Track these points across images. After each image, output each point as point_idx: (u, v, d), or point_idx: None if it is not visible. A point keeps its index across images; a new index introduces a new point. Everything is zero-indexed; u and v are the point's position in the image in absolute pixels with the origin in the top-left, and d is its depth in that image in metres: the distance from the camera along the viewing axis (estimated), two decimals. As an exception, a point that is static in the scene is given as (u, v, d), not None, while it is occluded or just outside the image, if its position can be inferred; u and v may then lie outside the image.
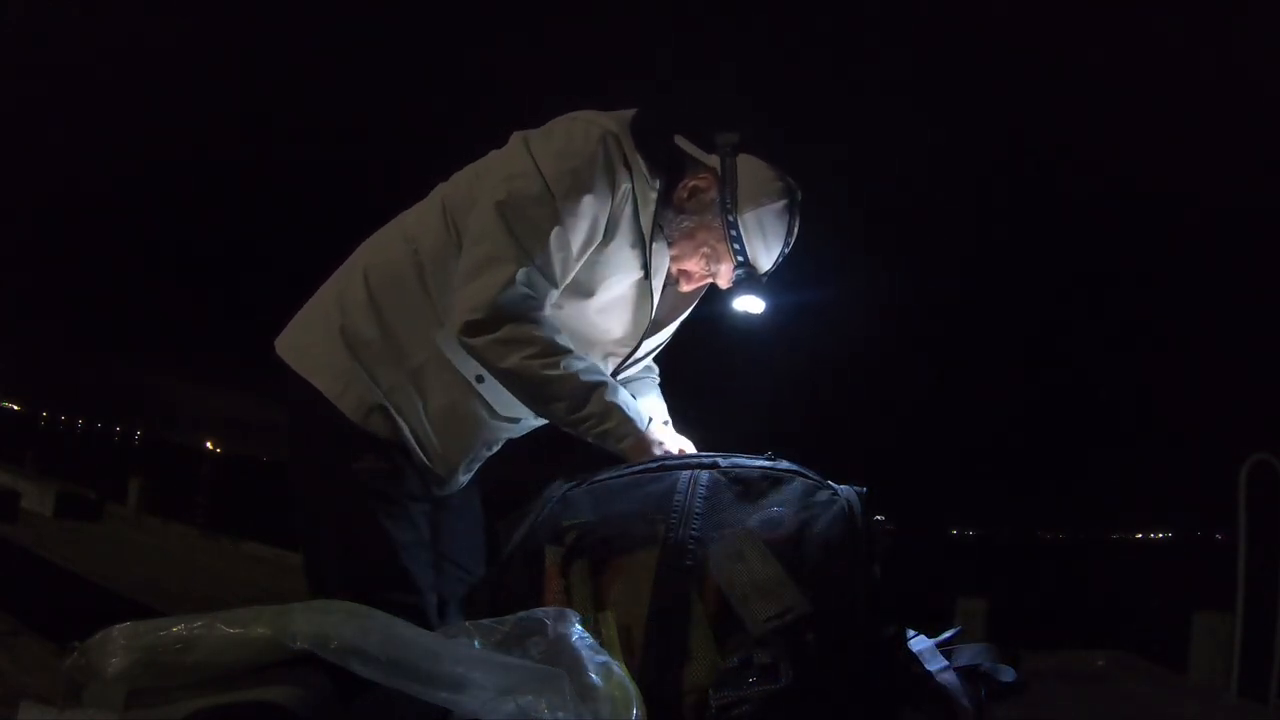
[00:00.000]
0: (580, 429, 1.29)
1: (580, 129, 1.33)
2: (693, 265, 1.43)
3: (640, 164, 1.33)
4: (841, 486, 1.04)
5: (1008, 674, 1.05)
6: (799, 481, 1.06)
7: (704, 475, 1.07)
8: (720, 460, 1.11)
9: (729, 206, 1.35)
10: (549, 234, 1.28)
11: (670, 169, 1.38)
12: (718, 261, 1.41)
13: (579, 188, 1.29)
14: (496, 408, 1.40)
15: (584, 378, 1.27)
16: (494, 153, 1.41)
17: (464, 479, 1.47)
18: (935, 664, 1.01)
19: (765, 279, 1.41)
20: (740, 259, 1.37)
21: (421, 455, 1.38)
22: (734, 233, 1.35)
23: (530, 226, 1.28)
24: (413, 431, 1.36)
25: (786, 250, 1.40)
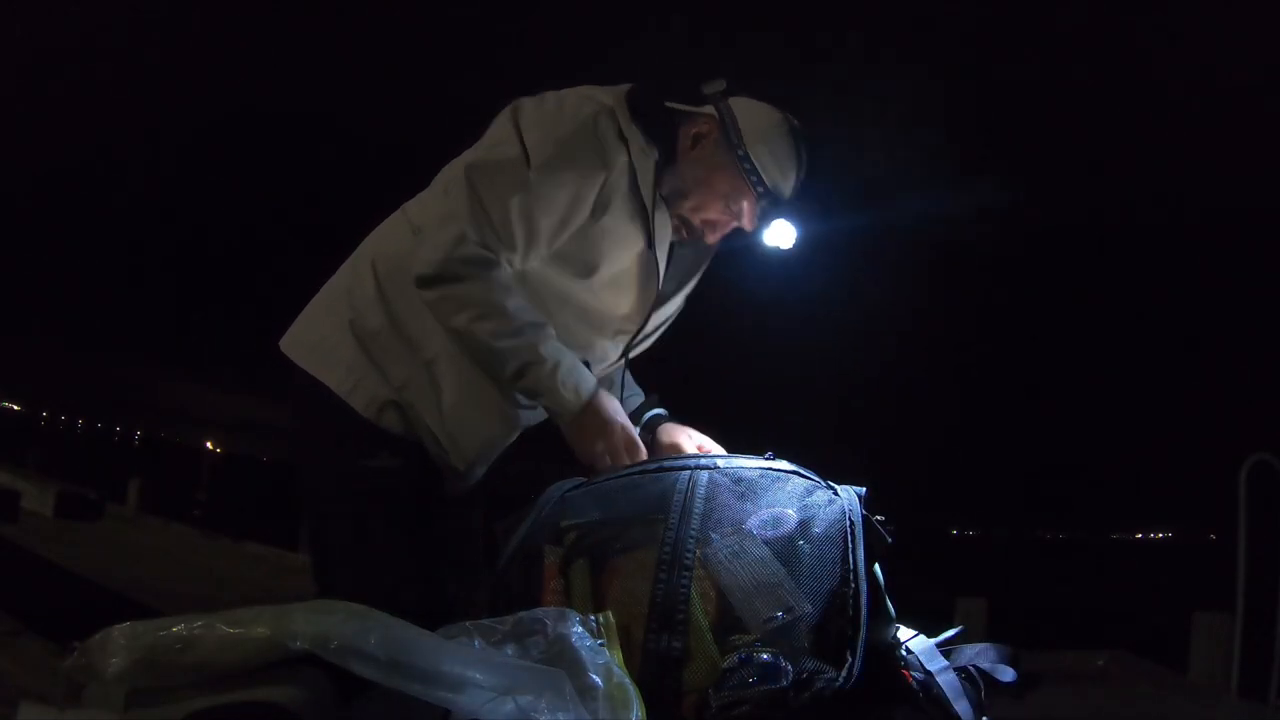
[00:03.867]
0: (525, 397, 1.33)
1: (573, 100, 1.32)
2: (715, 212, 1.40)
3: (637, 135, 1.32)
4: (841, 486, 1.04)
5: (1008, 674, 1.05)
6: (798, 481, 1.06)
7: (703, 475, 1.07)
8: (719, 460, 1.11)
9: (736, 142, 1.34)
10: (511, 199, 1.26)
11: (667, 136, 1.38)
12: (738, 200, 1.38)
13: (560, 157, 1.28)
14: (513, 393, 1.37)
15: (521, 355, 1.26)
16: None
17: (480, 472, 1.44)
18: (935, 664, 1.01)
19: (789, 205, 1.39)
20: (760, 188, 1.35)
21: (438, 450, 1.36)
22: (748, 165, 1.34)
23: (494, 189, 1.27)
24: (428, 426, 1.34)
25: (802, 176, 1.38)
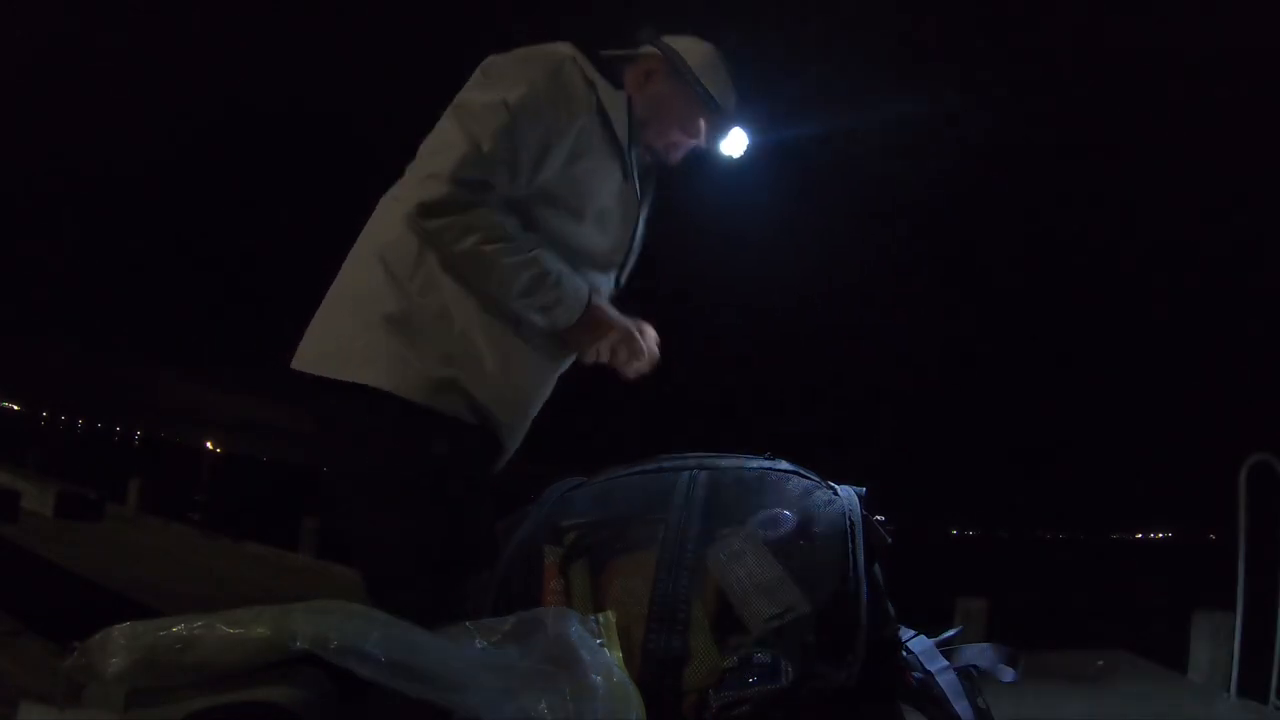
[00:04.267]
0: (529, 313, 1.39)
1: (540, 50, 1.43)
2: (674, 136, 1.58)
3: (600, 78, 1.45)
4: (841, 486, 1.04)
5: (1008, 674, 1.05)
6: (798, 481, 1.06)
7: (703, 475, 1.07)
8: (719, 460, 1.11)
9: (685, 70, 1.53)
10: (498, 131, 1.33)
11: (617, 79, 1.51)
12: (694, 121, 1.56)
13: (531, 96, 1.36)
14: (540, 339, 1.43)
15: (530, 269, 1.35)
16: None
17: (524, 433, 1.50)
18: (935, 664, 1.01)
19: (733, 118, 1.59)
20: (713, 104, 1.54)
21: (490, 415, 1.39)
22: (700, 88, 1.52)
23: (481, 123, 1.34)
24: (478, 395, 1.36)
25: (736, 93, 1.58)
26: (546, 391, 1.52)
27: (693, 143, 1.59)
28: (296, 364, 1.38)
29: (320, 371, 1.35)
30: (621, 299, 1.61)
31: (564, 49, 1.44)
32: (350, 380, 1.32)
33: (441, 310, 1.36)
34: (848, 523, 0.98)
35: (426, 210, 1.31)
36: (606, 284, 1.56)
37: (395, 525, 1.35)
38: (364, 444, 1.37)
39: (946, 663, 1.02)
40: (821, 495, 1.03)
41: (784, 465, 1.10)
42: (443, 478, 1.33)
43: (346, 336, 1.36)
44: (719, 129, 1.59)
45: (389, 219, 1.42)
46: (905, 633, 1.05)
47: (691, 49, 1.55)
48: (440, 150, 1.34)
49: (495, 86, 1.37)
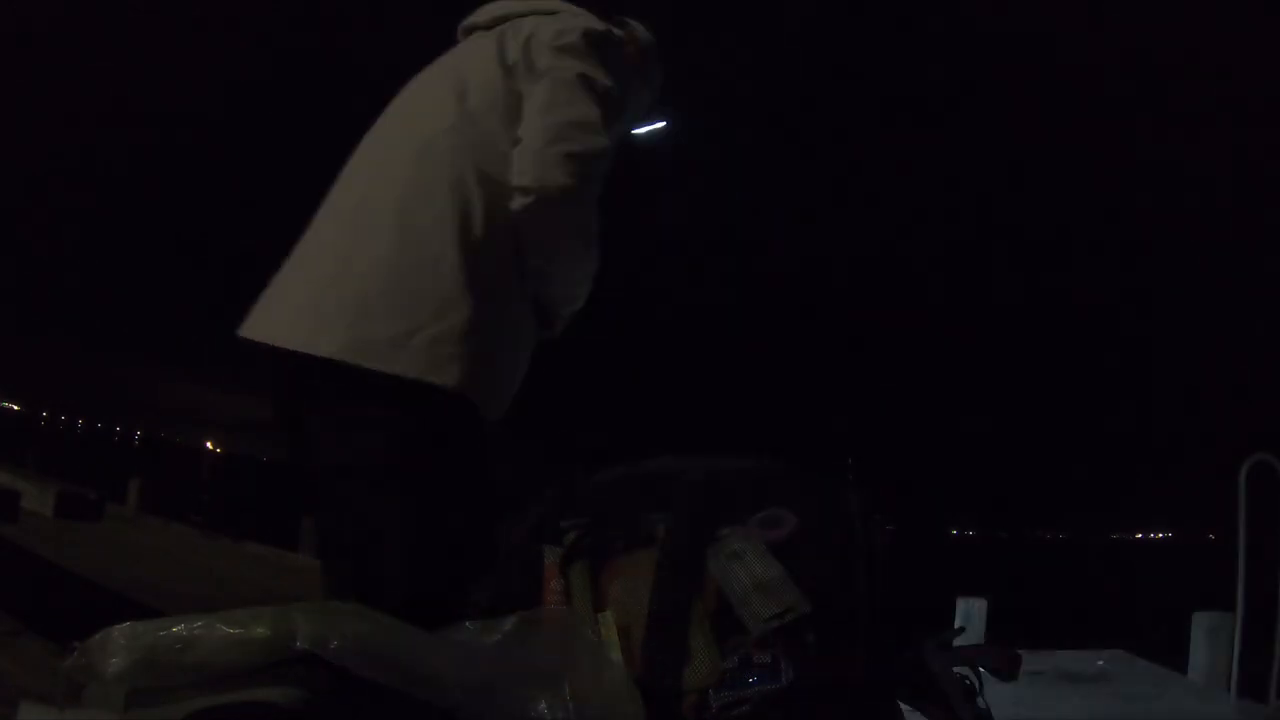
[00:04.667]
0: (567, 300, 1.37)
1: (614, 34, 1.42)
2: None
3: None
4: (841, 487, 1.05)
5: (1008, 674, 1.06)
6: (798, 482, 1.06)
7: (703, 475, 1.07)
8: (720, 461, 1.11)
9: (652, 63, 1.57)
10: (611, 114, 1.31)
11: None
12: (647, 103, 1.62)
13: (620, 85, 1.37)
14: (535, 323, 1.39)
15: (596, 261, 1.34)
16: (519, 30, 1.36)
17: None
18: (935, 664, 1.01)
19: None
20: (658, 88, 1.60)
21: (502, 409, 1.27)
22: (654, 75, 1.57)
23: (605, 107, 1.29)
24: (508, 393, 1.25)
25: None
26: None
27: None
28: (336, 352, 1.13)
29: (378, 365, 1.12)
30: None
31: (619, 33, 1.46)
32: (420, 379, 1.12)
33: (504, 305, 1.22)
34: (847, 523, 0.98)
35: (566, 194, 1.19)
36: None
37: (402, 526, 1.20)
38: (400, 445, 1.18)
39: (947, 663, 1.02)
40: (821, 495, 1.03)
41: (784, 467, 1.10)
42: (454, 478, 1.21)
43: (416, 324, 1.14)
44: (652, 111, 1.64)
45: (459, 185, 1.22)
46: (906, 633, 1.06)
47: (645, 33, 1.57)
48: (587, 127, 1.23)
49: (603, 67, 1.33)
